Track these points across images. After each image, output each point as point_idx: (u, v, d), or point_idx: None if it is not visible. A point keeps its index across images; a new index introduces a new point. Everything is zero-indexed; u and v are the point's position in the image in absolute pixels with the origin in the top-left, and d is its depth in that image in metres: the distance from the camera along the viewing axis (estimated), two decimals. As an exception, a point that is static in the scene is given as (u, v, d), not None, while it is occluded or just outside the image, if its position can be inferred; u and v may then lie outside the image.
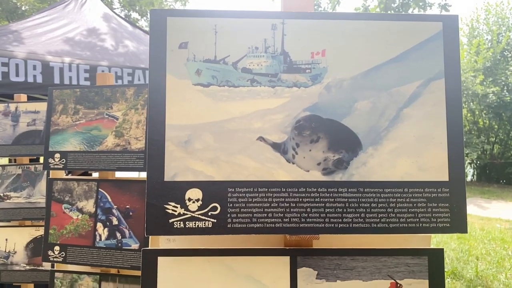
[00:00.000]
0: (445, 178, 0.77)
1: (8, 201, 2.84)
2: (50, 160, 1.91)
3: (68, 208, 1.91)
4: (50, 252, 1.90)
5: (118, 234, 1.82)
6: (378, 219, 0.74)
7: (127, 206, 1.83)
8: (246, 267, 0.74)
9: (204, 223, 0.73)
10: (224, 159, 0.76)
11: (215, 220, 0.73)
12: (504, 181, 15.68)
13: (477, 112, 15.31)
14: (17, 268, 2.79)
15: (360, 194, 0.75)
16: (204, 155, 0.76)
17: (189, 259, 0.74)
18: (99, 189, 1.88)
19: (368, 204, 0.75)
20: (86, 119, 1.90)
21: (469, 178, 17.18)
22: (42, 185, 2.83)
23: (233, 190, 0.74)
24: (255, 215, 0.74)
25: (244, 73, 0.77)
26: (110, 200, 1.86)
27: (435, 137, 0.78)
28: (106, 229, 1.84)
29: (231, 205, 0.74)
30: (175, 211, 0.73)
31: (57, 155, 1.90)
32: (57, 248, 1.89)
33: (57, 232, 1.90)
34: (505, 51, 14.67)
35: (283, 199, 0.74)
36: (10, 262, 2.79)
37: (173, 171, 0.75)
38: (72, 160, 1.88)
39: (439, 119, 0.79)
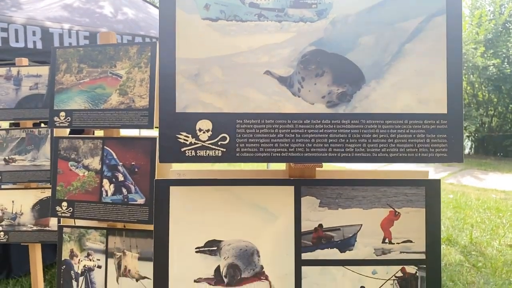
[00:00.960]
0: (444, 110, 0.81)
1: (13, 164, 2.88)
2: (56, 119, 1.94)
3: (74, 166, 1.96)
4: (58, 208, 1.95)
5: (124, 190, 1.88)
6: (379, 149, 0.78)
7: (133, 163, 1.88)
8: (253, 196, 0.79)
9: (214, 152, 0.77)
10: (232, 92, 0.79)
11: (225, 149, 0.78)
12: (502, 154, 15.79)
13: (476, 85, 15.27)
14: (24, 229, 2.86)
15: (362, 126, 0.79)
16: (213, 88, 0.79)
17: (199, 188, 0.78)
18: (105, 147, 1.92)
19: (370, 135, 0.79)
20: (90, 77, 1.92)
21: (466, 151, 17.28)
22: (46, 148, 2.87)
23: (241, 121, 0.78)
24: (262, 145, 0.78)
25: (251, 7, 0.79)
26: (115, 157, 1.90)
27: (435, 72, 0.82)
28: (112, 185, 1.89)
29: (239, 135, 0.78)
30: (187, 140, 0.77)
31: (62, 114, 1.93)
32: (64, 204, 1.94)
33: (64, 188, 1.95)
34: (507, 23, 14.48)
35: (289, 130, 0.78)
36: (18, 223, 2.86)
37: (184, 103, 0.78)
38: (77, 118, 1.92)
39: (440, 54, 0.82)
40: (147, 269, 1.86)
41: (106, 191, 1.90)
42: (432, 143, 0.79)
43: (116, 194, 1.88)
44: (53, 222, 2.84)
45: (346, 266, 0.79)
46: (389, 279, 0.79)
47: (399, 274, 0.79)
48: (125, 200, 1.86)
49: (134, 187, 1.87)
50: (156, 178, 1.10)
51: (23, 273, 4.52)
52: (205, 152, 0.77)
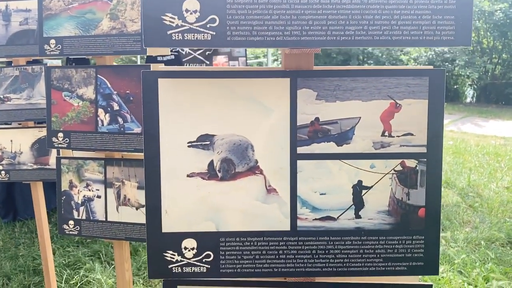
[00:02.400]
0: (453, -11, 0.75)
1: (8, 103, 2.84)
2: (46, 47, 1.88)
3: (68, 96, 1.91)
4: (54, 139, 1.93)
5: (119, 119, 1.85)
6: (381, 32, 0.74)
7: (127, 91, 1.83)
8: (247, 89, 0.75)
9: (203, 35, 0.73)
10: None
11: (214, 33, 0.73)
12: (503, 102, 15.66)
13: (482, 32, 14.86)
14: (24, 167, 2.86)
15: (364, 6, 0.73)
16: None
17: (191, 81, 0.74)
18: (98, 76, 1.86)
19: (372, 16, 0.74)
20: (79, 2, 1.83)
21: (468, 100, 17.15)
22: (41, 86, 2.81)
23: (231, 1, 0.72)
24: (255, 27, 0.73)
25: None
26: (109, 86, 1.85)
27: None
28: (107, 114, 1.86)
29: (230, 17, 0.73)
30: (173, 22, 0.72)
31: (53, 41, 1.86)
32: (60, 134, 1.92)
33: (59, 119, 1.92)
34: (517, -36, 13.85)
35: (284, 11, 0.73)
36: (18, 162, 2.86)
37: (169, -19, 0.73)
38: (68, 46, 1.85)
39: None
40: (147, 197, 1.87)
41: (102, 121, 1.87)
42: (438, 25, 0.74)
43: (112, 124, 1.85)
44: (52, 161, 2.84)
45: (343, 160, 0.77)
46: (387, 173, 0.77)
47: (398, 168, 0.77)
48: (122, 129, 1.84)
49: (130, 116, 1.83)
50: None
51: (28, 216, 4.62)
52: (193, 35, 0.72)
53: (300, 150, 0.76)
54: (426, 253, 0.78)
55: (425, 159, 0.77)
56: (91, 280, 3.39)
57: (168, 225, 0.77)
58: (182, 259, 0.77)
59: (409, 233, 0.78)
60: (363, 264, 0.78)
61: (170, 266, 0.77)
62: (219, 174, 0.76)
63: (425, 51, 14.87)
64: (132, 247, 3.96)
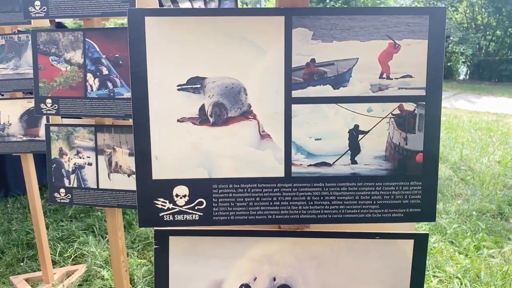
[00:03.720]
0: None
1: (-6, 73, 2.76)
2: (31, 9, 1.81)
3: (56, 60, 1.86)
4: (42, 105, 1.88)
5: (109, 84, 1.80)
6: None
7: (116, 55, 1.78)
8: (239, 28, 0.72)
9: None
10: None
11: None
12: (496, 79, 15.70)
13: (476, 8, 14.75)
14: (14, 139, 2.81)
15: None
16: None
17: (180, 19, 0.70)
18: (86, 39, 1.80)
19: None
20: (63, -39, 1.75)
21: (461, 77, 17.16)
22: (28, 56, 2.73)
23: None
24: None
25: None
26: (98, 49, 1.80)
27: None
28: (96, 79, 1.81)
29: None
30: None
31: (37, 3, 1.79)
32: (49, 101, 1.87)
33: (47, 85, 1.87)
34: None
35: None
36: (7, 133, 2.81)
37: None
38: (54, 7, 1.78)
39: None
40: (139, 164, 1.84)
41: (91, 86, 1.82)
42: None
43: (102, 89, 1.81)
44: (42, 132, 2.79)
45: (339, 104, 0.74)
46: (385, 117, 0.75)
47: (396, 111, 0.75)
48: (111, 94, 1.79)
49: (119, 80, 1.79)
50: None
51: (21, 192, 4.59)
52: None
53: (295, 93, 0.74)
54: (423, 199, 0.76)
55: (424, 103, 0.74)
56: (85, 253, 3.39)
57: (159, 172, 0.74)
58: (174, 206, 0.75)
59: (406, 178, 0.76)
60: (358, 211, 0.76)
61: (161, 214, 0.75)
62: (211, 119, 0.73)
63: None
64: (125, 220, 3.96)
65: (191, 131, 0.73)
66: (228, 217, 0.75)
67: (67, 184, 1.95)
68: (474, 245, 3.41)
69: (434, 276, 3.01)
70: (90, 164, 1.91)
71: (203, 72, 0.72)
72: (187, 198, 0.75)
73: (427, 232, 0.80)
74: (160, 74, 0.71)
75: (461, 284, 2.91)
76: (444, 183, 5.10)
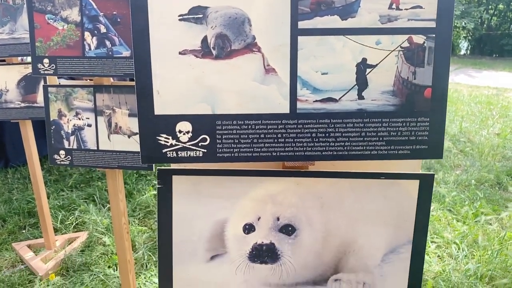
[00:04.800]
0: None
1: (-11, 37, 2.71)
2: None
3: (52, 19, 1.81)
4: (39, 65, 1.85)
5: (107, 42, 1.76)
6: None
7: (114, 12, 1.73)
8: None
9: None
10: None
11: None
12: (497, 54, 15.54)
13: (480, -20, 14.46)
14: (12, 106, 2.79)
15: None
16: None
17: None
18: (82, -4, 1.75)
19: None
20: None
21: (462, 52, 17.01)
22: (23, 20, 2.68)
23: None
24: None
25: None
26: (95, 7, 1.75)
27: None
28: (94, 38, 1.77)
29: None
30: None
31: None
32: (46, 60, 1.84)
33: (44, 44, 1.83)
34: None
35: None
36: (4, 100, 2.78)
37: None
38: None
39: None
40: (138, 125, 1.82)
41: (89, 45, 1.78)
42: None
43: (100, 48, 1.77)
44: (40, 98, 2.76)
45: (347, 35, 0.72)
46: (393, 50, 0.73)
47: (405, 44, 0.72)
48: (110, 53, 1.76)
49: (118, 39, 1.75)
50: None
51: (20, 163, 4.58)
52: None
53: (302, 24, 0.71)
54: (431, 136, 0.75)
55: (434, 35, 0.72)
56: (86, 221, 3.42)
57: (161, 107, 0.72)
58: (177, 143, 0.74)
59: (414, 114, 0.74)
60: (364, 148, 0.75)
61: (164, 151, 0.74)
62: (214, 52, 0.71)
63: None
64: (126, 190, 3.98)
65: (193, 65, 0.71)
66: (232, 154, 0.74)
67: (66, 146, 1.94)
68: (472, 213, 3.44)
69: (432, 241, 3.05)
70: (89, 125, 1.89)
71: (206, 0, 0.69)
72: (190, 134, 0.73)
73: (433, 173, 0.80)
74: (161, 3, 0.68)
75: (459, 249, 2.95)
76: (443, 155, 5.10)
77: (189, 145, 0.73)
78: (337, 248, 0.85)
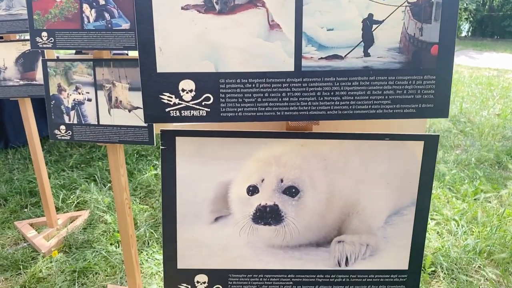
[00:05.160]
0: None
1: (-14, 13, 2.67)
2: None
3: (49, -10, 1.78)
4: (38, 39, 1.83)
5: (106, 15, 1.73)
6: None
7: (113, -17, 1.70)
8: None
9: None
10: None
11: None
12: (498, 36, 15.40)
13: (483, -41, 14.26)
14: (11, 83, 2.77)
15: None
16: None
17: None
18: (80, -34, 1.72)
19: None
20: None
21: (463, 34, 16.85)
22: (20, -6, 2.64)
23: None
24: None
25: None
26: (93, -22, 1.72)
27: None
28: (93, 10, 1.74)
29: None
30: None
31: None
32: (44, 34, 1.81)
33: (42, 17, 1.80)
34: None
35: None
36: (3, 78, 2.76)
37: None
38: None
39: None
40: (139, 99, 1.80)
41: (88, 17, 1.75)
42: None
43: (99, 20, 1.74)
44: (39, 76, 2.74)
45: (353, -10, 0.70)
46: (400, 5, 0.72)
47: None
48: (109, 26, 1.73)
49: (117, 11, 1.72)
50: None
51: (21, 143, 4.58)
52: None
53: (306, -22, 0.70)
54: (437, 95, 0.74)
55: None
56: (88, 200, 3.43)
57: (163, 64, 0.71)
58: (180, 102, 0.73)
59: (420, 72, 0.73)
60: (370, 106, 0.75)
61: (167, 110, 0.73)
62: (217, 7, 0.70)
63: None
64: (127, 170, 3.98)
65: (196, 20, 0.70)
66: (236, 114, 0.74)
67: (67, 121, 1.93)
68: (472, 191, 3.45)
69: (431, 219, 3.07)
70: (89, 100, 1.88)
71: (208, -46, 0.68)
72: (193, 93, 0.73)
73: (438, 134, 0.79)
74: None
75: (458, 225, 2.97)
76: (443, 135, 5.11)
77: (192, 104, 0.73)
78: (340, 210, 0.85)
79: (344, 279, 0.88)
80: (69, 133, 1.93)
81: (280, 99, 0.73)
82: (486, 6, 14.80)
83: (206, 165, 0.81)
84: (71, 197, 3.47)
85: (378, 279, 0.88)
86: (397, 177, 0.84)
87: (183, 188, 0.82)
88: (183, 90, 0.71)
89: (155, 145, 1.81)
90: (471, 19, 15.44)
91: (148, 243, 2.91)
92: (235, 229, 0.85)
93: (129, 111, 1.84)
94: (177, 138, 0.79)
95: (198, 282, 0.86)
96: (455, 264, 2.60)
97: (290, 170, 0.82)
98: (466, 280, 2.47)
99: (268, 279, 0.87)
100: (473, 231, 2.93)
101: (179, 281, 0.86)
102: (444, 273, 2.55)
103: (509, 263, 2.55)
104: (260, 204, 0.83)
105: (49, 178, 3.61)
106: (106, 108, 1.86)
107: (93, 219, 3.15)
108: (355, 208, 0.85)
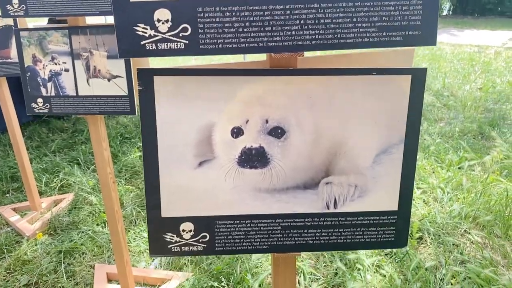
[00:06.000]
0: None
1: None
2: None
3: (18, -45, 1.69)
4: (8, 7, 1.75)
5: (80, -22, 1.66)
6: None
7: None
8: None
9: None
10: None
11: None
12: (479, 13, 15.54)
13: None
14: (-17, 62, 2.66)
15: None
16: None
17: None
18: None
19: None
20: None
21: (445, 13, 16.96)
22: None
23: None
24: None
25: None
26: None
27: None
28: (65, -26, 1.67)
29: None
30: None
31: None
32: (15, 1, 1.73)
33: (12, -17, 1.72)
34: None
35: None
36: (-25, 56, 2.65)
37: None
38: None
39: None
40: (118, 67, 1.75)
41: (60, -18, 1.67)
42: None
43: (72, -16, 1.67)
44: (14, 53, 2.65)
45: None
46: None
47: None
48: (83, -11, 1.66)
49: (90, -26, 1.65)
50: None
51: (0, 131, 4.45)
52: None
53: None
54: (424, 21, 0.72)
55: None
56: (72, 183, 3.37)
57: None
58: (156, 33, 0.69)
59: (406, -3, 0.71)
60: (355, 35, 0.72)
61: (143, 43, 0.69)
62: None
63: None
64: (112, 153, 3.91)
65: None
66: (216, 46, 0.70)
67: (44, 93, 1.86)
68: (456, 160, 3.49)
69: (417, 188, 3.10)
70: (67, 70, 1.81)
71: None
72: (170, 23, 0.68)
73: (425, 67, 0.77)
74: None
75: (444, 192, 3.00)
76: (427, 109, 5.15)
77: (169, 35, 0.69)
78: (327, 150, 0.83)
79: (333, 222, 0.86)
80: (47, 106, 1.87)
81: (262, 29, 0.70)
82: (466, -16, 14.89)
83: (187, 107, 0.77)
84: (55, 180, 3.40)
85: (368, 221, 0.87)
86: (385, 114, 0.82)
87: (164, 131, 0.78)
88: (158, 20, 0.68)
89: (136, 114, 1.76)
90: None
91: (136, 222, 2.87)
92: (220, 173, 0.82)
93: (109, 80, 1.78)
94: (155, 77, 0.75)
95: (183, 230, 0.83)
96: (442, 229, 2.63)
97: (275, 110, 0.79)
98: (453, 244, 2.51)
99: (256, 225, 0.84)
100: (458, 198, 2.97)
101: (164, 231, 0.83)
102: (431, 239, 2.58)
103: (494, 226, 2.60)
104: (245, 147, 0.81)
105: (31, 163, 3.52)
106: (84, 78, 1.80)
107: (78, 201, 3.09)
108: (342, 148, 0.82)
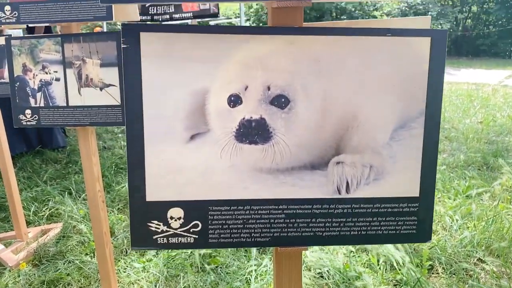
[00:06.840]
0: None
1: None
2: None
3: (13, -38, 1.66)
4: (1, 14, 1.69)
5: (75, -16, 1.62)
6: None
7: (81, -49, 1.60)
8: None
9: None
10: None
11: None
12: (472, 54, 15.93)
13: (453, -17, 14.90)
14: (-24, 83, 2.60)
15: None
16: None
17: None
18: None
19: None
20: None
21: (440, 55, 17.33)
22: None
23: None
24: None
25: None
26: None
27: None
28: (60, -20, 1.63)
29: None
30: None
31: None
32: (7, 8, 1.69)
33: (5, -9, 1.68)
34: None
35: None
36: (-34, 75, 2.59)
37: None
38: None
39: None
40: (111, 75, 1.67)
41: (54, -12, 1.63)
42: None
43: (67, -9, 1.63)
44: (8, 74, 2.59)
45: None
46: None
47: None
48: (78, -5, 1.62)
49: (86, -21, 1.61)
50: None
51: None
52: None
53: None
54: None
55: None
56: (62, 212, 3.21)
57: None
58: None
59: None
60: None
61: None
62: None
63: (398, 3, 14.78)
64: (105, 182, 3.78)
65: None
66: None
67: (33, 104, 1.77)
68: (463, 188, 3.36)
69: (425, 215, 2.94)
70: (57, 79, 1.74)
71: None
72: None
73: (446, 29, 0.68)
74: None
75: (453, 220, 2.85)
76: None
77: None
78: (338, 123, 0.72)
79: (345, 210, 0.74)
80: (35, 117, 1.77)
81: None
82: (460, 27, 15.35)
83: (177, 69, 0.68)
84: (44, 209, 3.24)
85: (385, 209, 0.75)
86: (402, 81, 0.72)
87: (150, 99, 0.68)
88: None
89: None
90: (447, 39, 15.96)
91: (126, 252, 2.69)
92: (215, 149, 0.71)
93: (101, 89, 1.70)
94: (141, 34, 0.66)
95: (172, 218, 0.71)
96: (453, 257, 2.46)
97: (278, 74, 0.69)
98: (466, 273, 2.33)
99: (256, 212, 0.72)
100: (468, 226, 2.81)
101: (149, 218, 0.71)
102: (443, 268, 2.41)
103: (509, 253, 2.43)
104: (244, 118, 0.70)
105: (21, 193, 3.38)
106: (75, 87, 1.72)
107: (67, 230, 2.93)
108: (355, 121, 0.72)
